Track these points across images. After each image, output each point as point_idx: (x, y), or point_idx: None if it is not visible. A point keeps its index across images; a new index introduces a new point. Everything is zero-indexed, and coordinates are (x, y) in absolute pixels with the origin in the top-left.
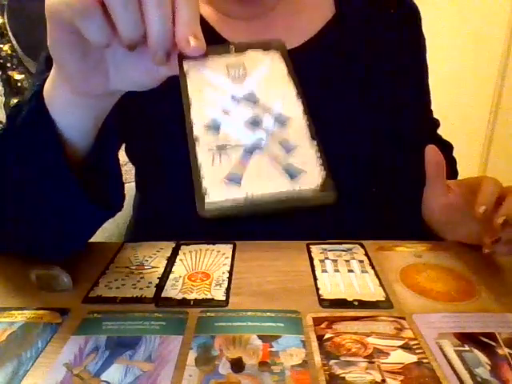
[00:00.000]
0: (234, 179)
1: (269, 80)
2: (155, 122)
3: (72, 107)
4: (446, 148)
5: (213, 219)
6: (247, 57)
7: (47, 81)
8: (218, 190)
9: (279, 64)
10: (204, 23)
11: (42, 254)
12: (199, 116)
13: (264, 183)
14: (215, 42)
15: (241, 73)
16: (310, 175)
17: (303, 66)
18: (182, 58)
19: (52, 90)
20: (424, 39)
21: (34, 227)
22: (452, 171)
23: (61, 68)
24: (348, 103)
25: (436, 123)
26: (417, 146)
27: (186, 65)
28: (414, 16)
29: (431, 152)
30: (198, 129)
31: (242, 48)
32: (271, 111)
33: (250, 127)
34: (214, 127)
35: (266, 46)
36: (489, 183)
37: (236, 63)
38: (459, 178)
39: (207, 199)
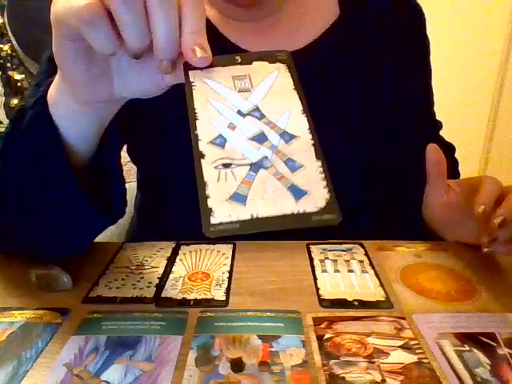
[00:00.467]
0: (240, 199)
1: (274, 94)
2: (159, 124)
3: (76, 113)
4: (447, 150)
5: (218, 238)
6: (253, 69)
7: (51, 86)
8: (223, 210)
9: (285, 77)
10: (208, 24)
11: (43, 257)
12: (205, 131)
13: (269, 204)
14: (219, 43)
15: (247, 85)
16: (315, 197)
17: (307, 67)
18: (187, 67)
19: (56, 96)
20: (428, 41)
21: (35, 230)
22: (454, 173)
23: (65, 76)
24: (350, 104)
25: (438, 125)
26: (418, 147)
27: (191, 75)
28: (419, 17)
29: (432, 151)
30: (204, 145)
31: (247, 59)
32: (276, 128)
33: (256, 144)
34: (220, 144)
35: (271, 59)
36: (489, 183)
37: (242, 75)
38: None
39: (213, 220)
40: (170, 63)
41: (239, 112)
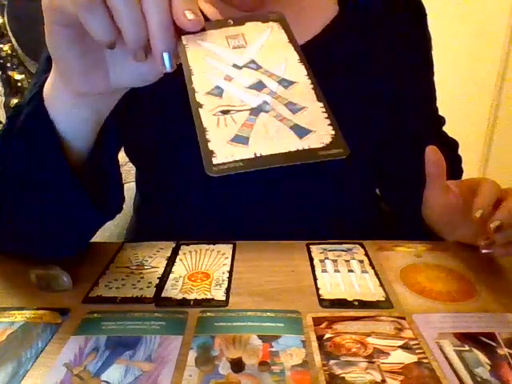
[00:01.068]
0: (241, 141)
1: (270, 47)
2: (158, 124)
3: (72, 108)
4: (450, 146)
5: (221, 176)
6: (246, 28)
7: (47, 82)
8: (225, 151)
9: (279, 34)
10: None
11: (42, 255)
12: (201, 84)
13: (272, 142)
14: None
15: (241, 43)
16: (319, 134)
17: None
18: (180, 34)
19: (52, 91)
20: (429, 37)
21: (33, 227)
22: (457, 170)
23: (60, 66)
24: (350, 102)
25: (441, 121)
26: (420, 145)
27: (184, 39)
28: (420, 13)
29: (431, 152)
30: (201, 96)
31: (240, 21)
32: (274, 76)
33: (254, 91)
34: (217, 93)
35: (264, 19)
36: (487, 186)
37: (235, 34)
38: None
39: (215, 160)
40: (167, 55)
41: (235, 65)
